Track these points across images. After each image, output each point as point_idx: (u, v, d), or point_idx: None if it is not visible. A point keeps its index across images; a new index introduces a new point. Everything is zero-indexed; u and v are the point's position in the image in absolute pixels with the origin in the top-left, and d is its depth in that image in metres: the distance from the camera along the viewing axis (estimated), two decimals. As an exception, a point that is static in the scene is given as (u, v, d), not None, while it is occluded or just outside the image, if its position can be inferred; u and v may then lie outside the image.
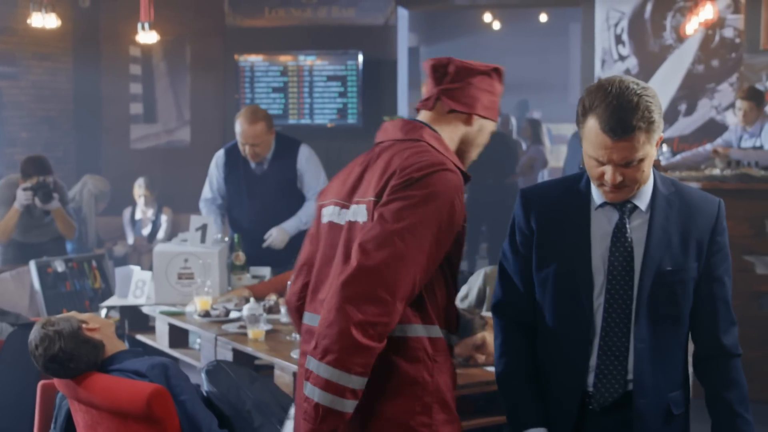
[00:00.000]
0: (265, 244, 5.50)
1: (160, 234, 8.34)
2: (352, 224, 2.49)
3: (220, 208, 5.65)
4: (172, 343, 4.69)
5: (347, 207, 2.54)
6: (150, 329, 5.00)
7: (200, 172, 9.26)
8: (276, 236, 5.51)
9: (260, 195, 5.56)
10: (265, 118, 5.43)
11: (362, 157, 2.62)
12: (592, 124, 2.32)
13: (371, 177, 2.50)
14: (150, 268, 5.23)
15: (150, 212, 8.43)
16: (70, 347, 3.17)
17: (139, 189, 8.37)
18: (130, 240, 8.39)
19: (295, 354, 3.81)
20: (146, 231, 8.41)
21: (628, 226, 2.43)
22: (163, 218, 8.41)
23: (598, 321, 2.43)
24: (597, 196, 2.46)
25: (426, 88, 2.68)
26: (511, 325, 2.57)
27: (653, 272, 2.41)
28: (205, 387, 3.36)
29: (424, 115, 2.62)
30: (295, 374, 3.72)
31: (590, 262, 2.43)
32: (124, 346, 3.32)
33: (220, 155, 5.66)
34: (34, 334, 3.25)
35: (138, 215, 8.46)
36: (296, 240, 5.63)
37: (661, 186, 2.47)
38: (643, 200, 2.44)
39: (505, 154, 9.63)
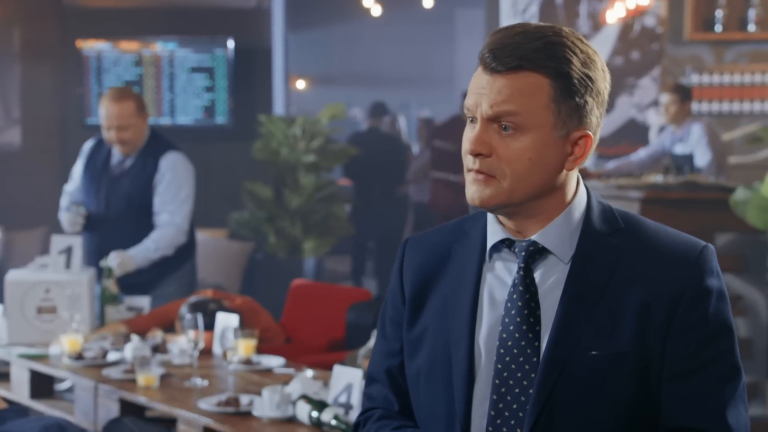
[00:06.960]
0: (107, 265, 4.92)
1: (-11, 257, 7.91)
2: None
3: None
4: (34, 393, 4.39)
5: None
6: (1, 377, 4.66)
7: (34, 181, 8.89)
8: (120, 262, 4.99)
9: (113, 200, 5.25)
10: (134, 99, 5.27)
11: None
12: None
13: None
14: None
15: (-24, 230, 7.98)
16: (-65, 408, 2.86)
17: (-38, 202, 7.91)
18: (-48, 265, 7.92)
19: (204, 404, 3.57)
20: (-29, 253, 7.96)
21: (534, 281, 1.79)
22: (-7, 237, 7.98)
23: None
24: (491, 234, 1.85)
25: None
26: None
27: (566, 358, 1.74)
28: (106, 451, 3.11)
29: None
30: (206, 428, 3.51)
31: (471, 344, 1.80)
32: (4, 404, 3.02)
33: (89, 142, 5.46)
34: None
35: (-39, 234, 8.00)
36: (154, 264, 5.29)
37: (597, 221, 1.80)
38: (560, 242, 1.79)
39: (391, 160, 9.57)
